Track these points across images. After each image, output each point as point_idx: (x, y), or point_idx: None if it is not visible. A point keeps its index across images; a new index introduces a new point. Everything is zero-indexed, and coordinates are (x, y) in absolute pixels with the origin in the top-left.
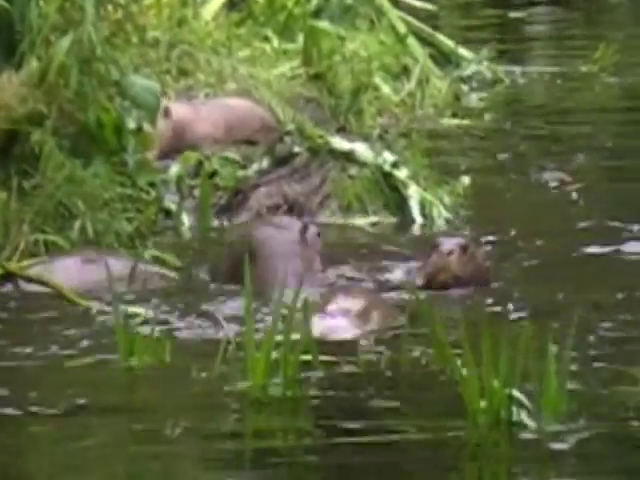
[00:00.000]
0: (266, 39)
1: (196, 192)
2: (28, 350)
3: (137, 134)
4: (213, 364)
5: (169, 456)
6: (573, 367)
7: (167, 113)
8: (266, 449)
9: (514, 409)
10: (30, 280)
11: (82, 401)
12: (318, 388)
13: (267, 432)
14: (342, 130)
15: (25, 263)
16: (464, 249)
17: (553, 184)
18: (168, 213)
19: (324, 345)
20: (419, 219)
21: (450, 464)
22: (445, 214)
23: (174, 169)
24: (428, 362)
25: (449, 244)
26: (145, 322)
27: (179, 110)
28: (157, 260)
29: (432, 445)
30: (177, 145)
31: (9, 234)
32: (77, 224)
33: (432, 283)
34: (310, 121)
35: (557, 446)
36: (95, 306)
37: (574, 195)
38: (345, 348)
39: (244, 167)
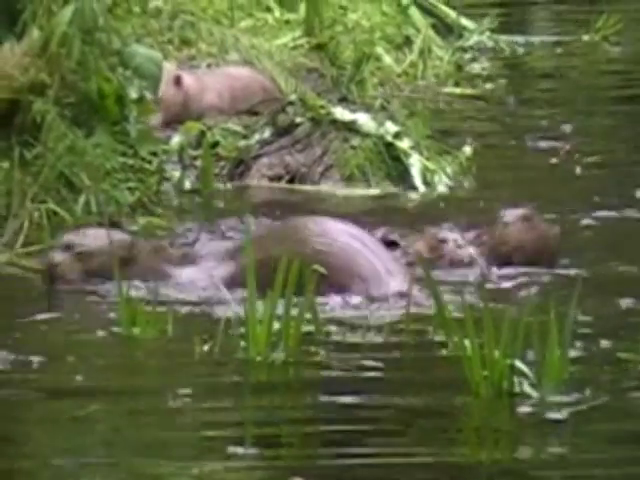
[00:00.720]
0: (268, 9)
1: (198, 162)
2: (30, 322)
3: (139, 104)
4: (215, 335)
5: (169, 428)
6: (575, 337)
7: (178, 81)
8: (266, 422)
9: (516, 380)
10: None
11: (82, 373)
12: (320, 360)
13: (268, 405)
14: (344, 100)
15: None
16: (527, 220)
17: (553, 151)
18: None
19: (326, 317)
20: (421, 188)
21: (452, 435)
22: (448, 182)
23: (176, 139)
24: (431, 334)
25: (510, 215)
26: (147, 293)
27: (185, 80)
28: (150, 227)
29: (434, 416)
30: (182, 115)
31: (12, 205)
32: (81, 199)
33: (496, 256)
34: (312, 91)
35: (558, 416)
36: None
37: (574, 162)
38: (347, 320)
39: (246, 137)
